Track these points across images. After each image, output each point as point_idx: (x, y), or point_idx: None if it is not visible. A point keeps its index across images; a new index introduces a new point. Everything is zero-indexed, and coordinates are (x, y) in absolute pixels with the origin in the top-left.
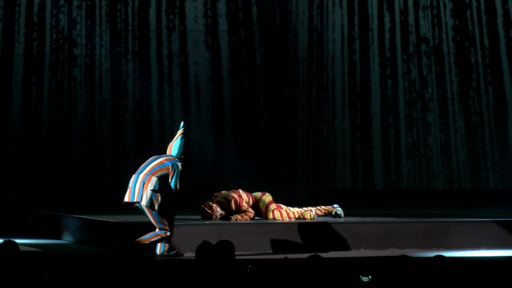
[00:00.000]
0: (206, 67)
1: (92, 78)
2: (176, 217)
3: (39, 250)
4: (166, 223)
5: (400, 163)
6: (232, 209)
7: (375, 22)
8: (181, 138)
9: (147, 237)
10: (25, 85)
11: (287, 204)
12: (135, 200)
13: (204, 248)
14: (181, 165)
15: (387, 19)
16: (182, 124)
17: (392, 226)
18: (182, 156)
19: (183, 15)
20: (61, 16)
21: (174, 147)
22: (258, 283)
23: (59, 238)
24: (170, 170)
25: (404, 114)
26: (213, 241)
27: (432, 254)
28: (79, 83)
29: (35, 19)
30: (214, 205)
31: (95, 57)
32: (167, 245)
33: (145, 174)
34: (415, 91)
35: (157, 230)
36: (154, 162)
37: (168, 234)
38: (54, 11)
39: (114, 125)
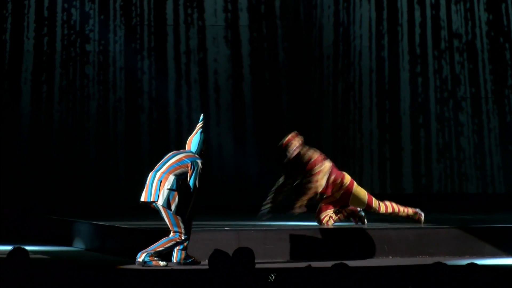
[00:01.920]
0: (226, 64)
1: (106, 76)
2: (194, 222)
3: (49, 257)
4: (181, 225)
5: (430, 165)
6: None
7: (405, 16)
8: (201, 132)
9: (161, 243)
10: (35, 83)
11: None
12: (151, 200)
13: (217, 256)
14: (201, 163)
15: (417, 13)
16: (201, 117)
17: (422, 232)
18: (202, 152)
19: (202, 9)
20: (73, 10)
21: (193, 142)
22: None
23: (70, 245)
24: (189, 167)
25: (435, 114)
26: (233, 248)
27: (465, 262)
28: (92, 81)
29: (46, 13)
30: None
31: (108, 53)
32: (183, 252)
33: (162, 172)
34: (447, 89)
35: (171, 234)
36: (172, 159)
37: (183, 238)
38: (66, 5)
39: (128, 126)
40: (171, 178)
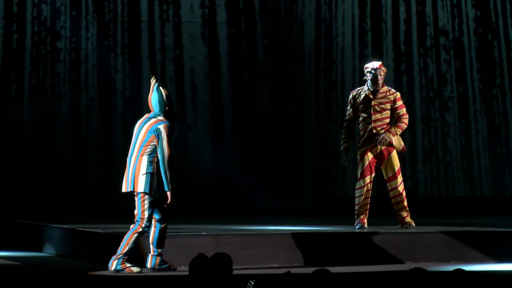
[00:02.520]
0: (203, 62)
1: (78, 75)
2: (170, 226)
3: (19, 263)
4: (146, 214)
5: (416, 168)
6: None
7: (389, 12)
8: (157, 88)
9: (125, 242)
10: (3, 82)
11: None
12: (129, 190)
13: (199, 261)
14: (166, 126)
15: (402, 9)
16: (152, 73)
17: (407, 237)
18: (166, 108)
19: (178, 5)
20: (43, 6)
21: (153, 103)
22: None
23: (41, 251)
24: (155, 138)
25: (421, 114)
26: (211, 253)
27: (451, 268)
28: (63, 80)
29: (15, 9)
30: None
31: (80, 51)
32: (158, 258)
33: (135, 157)
34: (433, 88)
35: (131, 226)
36: (139, 138)
37: (143, 225)
38: (36, 1)
39: (101, 126)
40: (144, 161)
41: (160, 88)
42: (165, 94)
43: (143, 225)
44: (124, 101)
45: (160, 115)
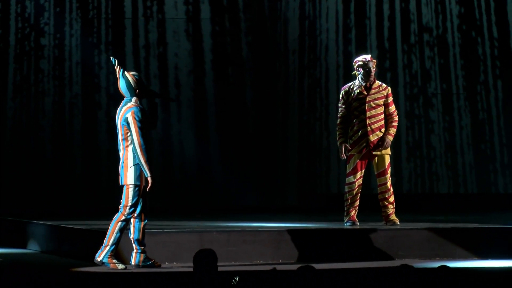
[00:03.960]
0: (187, 58)
1: (61, 71)
2: (154, 223)
3: (2, 260)
4: (131, 200)
5: (400, 164)
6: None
7: (373, 9)
8: (122, 74)
9: (109, 232)
10: None
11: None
12: (122, 184)
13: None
14: (133, 112)
15: (386, 6)
16: (112, 59)
17: (392, 234)
18: (137, 91)
19: (162, 2)
20: (27, 3)
21: (123, 90)
22: None
23: (25, 247)
24: (127, 129)
25: (405, 111)
26: (195, 250)
27: (436, 264)
28: (47, 76)
29: None
30: None
31: (64, 47)
32: (142, 255)
33: (122, 150)
34: (417, 85)
35: (114, 216)
36: (118, 130)
37: (127, 212)
38: None
39: (85, 123)
40: (130, 153)
41: (126, 73)
42: (132, 78)
43: (126, 213)
44: (108, 97)
45: (131, 101)
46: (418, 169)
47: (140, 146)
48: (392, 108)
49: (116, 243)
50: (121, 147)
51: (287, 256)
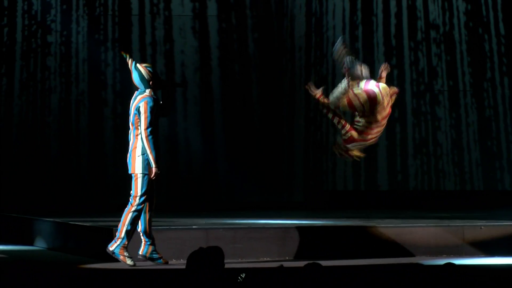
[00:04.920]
0: (193, 56)
1: (68, 68)
2: (160, 220)
3: (9, 257)
4: (138, 192)
5: (406, 162)
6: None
7: (380, 6)
8: (135, 67)
9: (122, 221)
10: None
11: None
12: (131, 172)
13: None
14: (146, 103)
15: (393, 3)
16: (124, 54)
17: (398, 231)
18: (151, 82)
19: None
20: (34, 0)
21: (136, 82)
22: None
23: (32, 244)
24: (137, 118)
25: (412, 108)
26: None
27: (442, 261)
28: (54, 74)
29: (6, 3)
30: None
31: (71, 45)
32: (151, 247)
33: (132, 138)
34: (424, 82)
35: (126, 209)
36: (130, 119)
37: (138, 202)
38: None
39: (92, 120)
40: (139, 143)
41: (138, 65)
42: (145, 70)
43: (136, 203)
44: (114, 94)
45: (145, 91)
46: (424, 166)
47: (147, 137)
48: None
49: (129, 235)
50: (131, 136)
51: (293, 253)
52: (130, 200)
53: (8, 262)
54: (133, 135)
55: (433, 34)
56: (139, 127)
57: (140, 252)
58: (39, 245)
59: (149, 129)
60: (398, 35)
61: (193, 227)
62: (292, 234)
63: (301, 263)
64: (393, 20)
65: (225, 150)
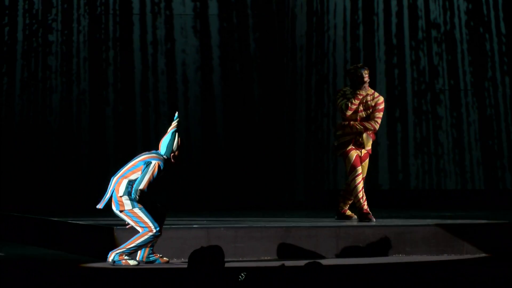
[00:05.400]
0: (194, 55)
1: (69, 67)
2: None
3: (10, 256)
4: (147, 220)
5: (407, 161)
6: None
7: (381, 5)
8: (173, 132)
9: (132, 240)
10: None
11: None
12: (117, 209)
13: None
14: (158, 163)
15: (393, 2)
16: (176, 115)
17: (399, 230)
18: (173, 154)
19: None
20: None
21: (163, 144)
22: None
23: (32, 243)
24: (142, 170)
25: (413, 107)
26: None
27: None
28: (55, 73)
29: (7, 2)
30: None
31: (72, 44)
32: (147, 250)
33: (117, 178)
34: (425, 81)
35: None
36: (130, 163)
37: (154, 231)
38: None
39: (93, 119)
40: (124, 184)
41: (176, 134)
42: (178, 141)
43: (154, 231)
44: (115, 93)
45: (162, 156)
46: (425, 165)
47: (142, 191)
48: (377, 115)
49: (133, 251)
50: (118, 175)
51: (294, 253)
52: (143, 227)
53: (8, 261)
54: (121, 176)
55: (434, 33)
56: (134, 174)
57: (136, 258)
58: (40, 244)
59: (146, 188)
60: (399, 34)
61: (194, 226)
62: (293, 234)
63: (301, 262)
64: (394, 19)
65: (226, 149)
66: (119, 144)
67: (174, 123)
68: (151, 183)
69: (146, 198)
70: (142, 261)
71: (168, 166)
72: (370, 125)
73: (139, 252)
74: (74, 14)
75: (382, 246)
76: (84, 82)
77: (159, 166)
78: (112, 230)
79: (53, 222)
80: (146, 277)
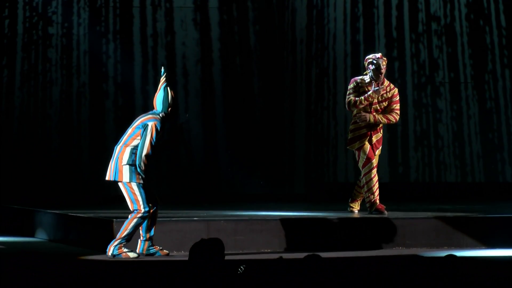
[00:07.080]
0: (194, 48)
1: (69, 60)
2: (161, 212)
3: (11, 248)
4: (140, 200)
5: (407, 154)
6: None
7: None
8: (165, 87)
9: (123, 227)
10: None
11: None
12: (112, 179)
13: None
14: (155, 124)
15: None
16: (163, 70)
17: (399, 222)
18: (169, 109)
19: None
20: None
21: (157, 101)
22: (251, 285)
23: (33, 236)
24: (140, 134)
25: (413, 100)
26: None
27: (443, 253)
28: (55, 66)
29: None
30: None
31: (72, 37)
32: (147, 243)
33: (120, 146)
34: (425, 74)
35: (130, 215)
36: (129, 129)
37: (143, 211)
38: None
39: (93, 112)
40: (127, 151)
41: (168, 88)
42: (171, 95)
43: (143, 210)
44: (115, 87)
45: (158, 114)
46: (425, 158)
47: (147, 155)
48: (396, 106)
49: (128, 238)
50: (120, 144)
51: (294, 245)
52: (134, 210)
53: (9, 253)
54: (124, 145)
55: (434, 26)
56: (135, 140)
57: (137, 251)
58: (40, 236)
59: (151, 150)
60: (399, 27)
61: (194, 219)
62: (293, 226)
63: (301, 255)
64: (394, 12)
65: (226, 142)
66: (119, 137)
67: (163, 78)
68: (153, 145)
69: (152, 161)
70: (142, 253)
71: (165, 123)
72: (392, 117)
73: (138, 244)
74: (74, 7)
75: (382, 239)
76: (84, 75)
77: (156, 127)
78: (112, 223)
79: (53, 215)
80: (146, 270)
